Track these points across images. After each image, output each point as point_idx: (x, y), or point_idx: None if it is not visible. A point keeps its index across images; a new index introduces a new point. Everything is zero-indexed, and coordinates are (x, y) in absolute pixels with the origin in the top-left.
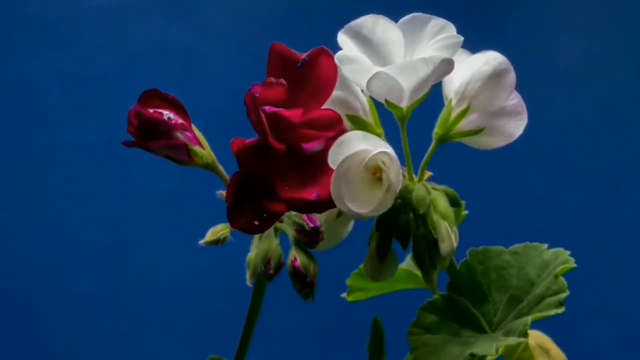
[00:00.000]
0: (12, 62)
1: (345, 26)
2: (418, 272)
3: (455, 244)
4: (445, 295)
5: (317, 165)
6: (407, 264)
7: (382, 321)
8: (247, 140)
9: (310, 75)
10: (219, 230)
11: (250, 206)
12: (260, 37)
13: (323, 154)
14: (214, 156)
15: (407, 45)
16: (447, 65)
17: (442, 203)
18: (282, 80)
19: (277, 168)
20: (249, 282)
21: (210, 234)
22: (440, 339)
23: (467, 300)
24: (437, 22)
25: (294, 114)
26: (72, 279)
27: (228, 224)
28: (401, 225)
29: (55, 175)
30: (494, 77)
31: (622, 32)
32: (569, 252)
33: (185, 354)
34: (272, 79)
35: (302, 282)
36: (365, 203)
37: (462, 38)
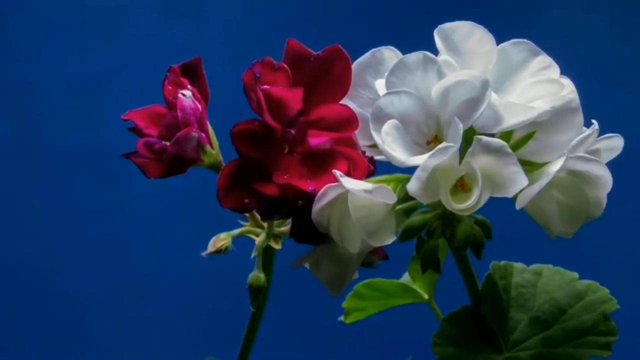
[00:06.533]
0: (12, 62)
1: (440, 25)
2: (415, 287)
3: None
4: (468, 307)
5: (319, 163)
6: (405, 278)
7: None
8: (246, 122)
9: (324, 73)
10: (221, 240)
11: (242, 188)
12: (262, 38)
13: (328, 153)
14: (221, 157)
15: (501, 67)
16: (546, 116)
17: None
18: (284, 65)
19: (275, 156)
20: (253, 308)
21: (212, 245)
22: (464, 353)
23: (486, 314)
24: (544, 58)
25: (294, 96)
26: (72, 280)
27: (229, 233)
28: (430, 248)
29: (56, 175)
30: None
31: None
32: (607, 291)
33: (185, 354)
34: (273, 61)
35: None
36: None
37: (562, 92)
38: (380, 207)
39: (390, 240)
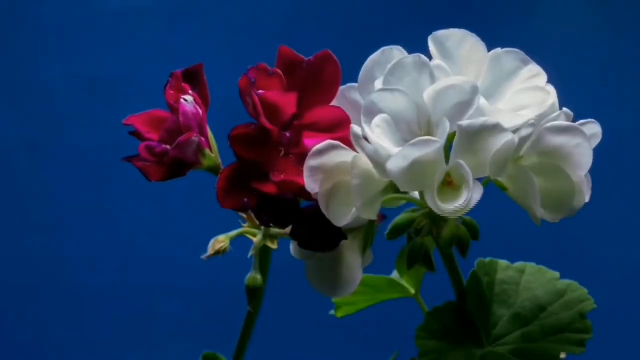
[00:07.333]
0: (21, 64)
1: (434, 32)
2: (402, 282)
3: None
4: (452, 302)
5: None
6: (394, 274)
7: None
8: (243, 125)
9: (315, 77)
10: (219, 242)
11: (241, 188)
12: (265, 43)
13: None
14: (220, 160)
15: (493, 74)
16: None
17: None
18: (278, 70)
19: (272, 157)
20: (250, 308)
21: (211, 247)
22: (445, 346)
23: (470, 309)
24: (533, 67)
25: (288, 100)
26: (78, 277)
27: (227, 234)
28: (416, 245)
29: (62, 174)
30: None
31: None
32: (586, 290)
33: (183, 354)
34: (267, 66)
35: None
36: None
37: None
38: (377, 181)
39: (374, 216)
